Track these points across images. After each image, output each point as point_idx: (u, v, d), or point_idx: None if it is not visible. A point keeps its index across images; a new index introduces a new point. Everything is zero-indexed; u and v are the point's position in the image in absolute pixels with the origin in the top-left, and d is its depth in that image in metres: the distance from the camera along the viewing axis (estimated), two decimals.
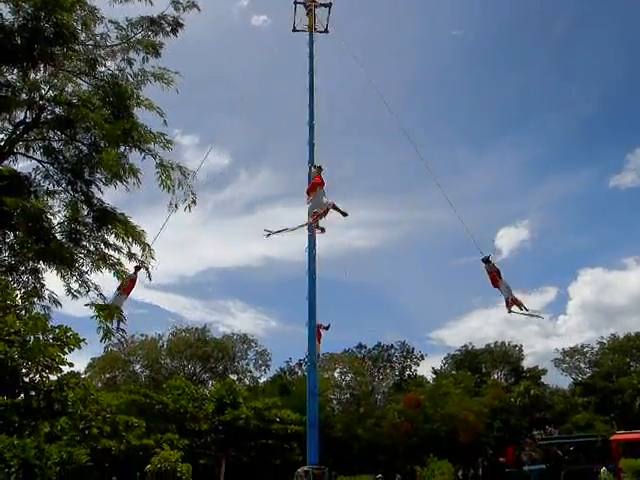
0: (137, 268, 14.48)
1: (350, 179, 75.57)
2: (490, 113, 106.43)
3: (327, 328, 19.02)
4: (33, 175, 14.25)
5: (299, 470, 16.03)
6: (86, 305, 14.26)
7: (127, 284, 14.40)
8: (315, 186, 14.74)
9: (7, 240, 13.33)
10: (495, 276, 14.35)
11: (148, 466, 6.83)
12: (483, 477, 28.06)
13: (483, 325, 79.20)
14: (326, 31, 20.86)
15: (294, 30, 20.82)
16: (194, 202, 14.45)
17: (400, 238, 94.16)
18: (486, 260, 14.55)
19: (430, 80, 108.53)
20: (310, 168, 17.41)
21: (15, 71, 12.63)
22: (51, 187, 14.33)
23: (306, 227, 14.34)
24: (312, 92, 20.04)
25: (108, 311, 13.31)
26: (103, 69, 13.50)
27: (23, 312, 9.44)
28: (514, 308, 14.14)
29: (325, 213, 13.84)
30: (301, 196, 18.42)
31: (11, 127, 13.90)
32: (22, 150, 13.77)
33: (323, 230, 14.66)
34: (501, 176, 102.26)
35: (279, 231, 13.83)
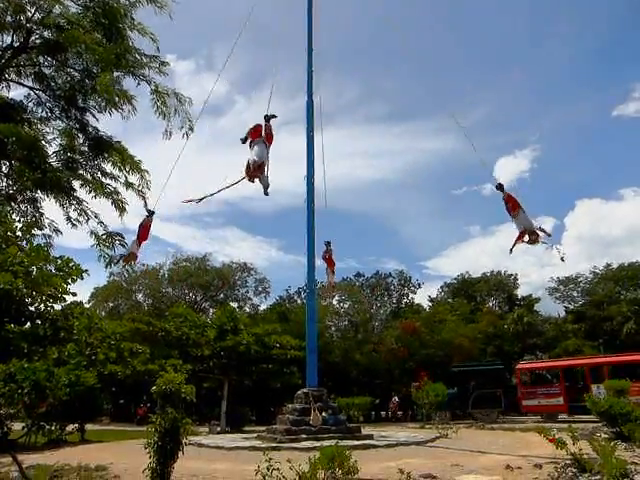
0: (150, 213, 14.37)
1: (352, 107, 73.83)
2: (495, 42, 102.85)
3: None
4: (25, 102, 13.96)
5: (299, 392, 16.79)
6: (91, 234, 14.40)
7: (142, 231, 14.15)
8: (259, 134, 13.08)
9: (4, 170, 13.25)
10: (515, 203, 13.01)
11: (153, 387, 7.10)
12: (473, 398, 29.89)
13: (480, 255, 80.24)
14: None
15: None
16: (191, 129, 14.27)
17: (400, 168, 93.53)
18: (500, 187, 13.43)
19: (436, 4, 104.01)
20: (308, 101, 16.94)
21: None
22: (44, 115, 14.09)
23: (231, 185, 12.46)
24: (310, 16, 19.23)
25: (127, 257, 13.45)
26: None
27: (24, 243, 9.50)
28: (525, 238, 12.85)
29: (256, 171, 12.19)
30: (302, 123, 18.26)
31: None
32: (13, 77, 13.40)
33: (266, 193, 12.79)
34: (502, 105, 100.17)
35: (201, 199, 12.79)
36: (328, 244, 19.19)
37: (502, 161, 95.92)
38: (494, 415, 27.29)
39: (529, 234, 12.72)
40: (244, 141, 12.74)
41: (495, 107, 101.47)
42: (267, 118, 13.56)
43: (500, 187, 13.35)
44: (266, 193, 12.39)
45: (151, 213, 14.49)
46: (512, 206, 12.94)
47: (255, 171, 11.95)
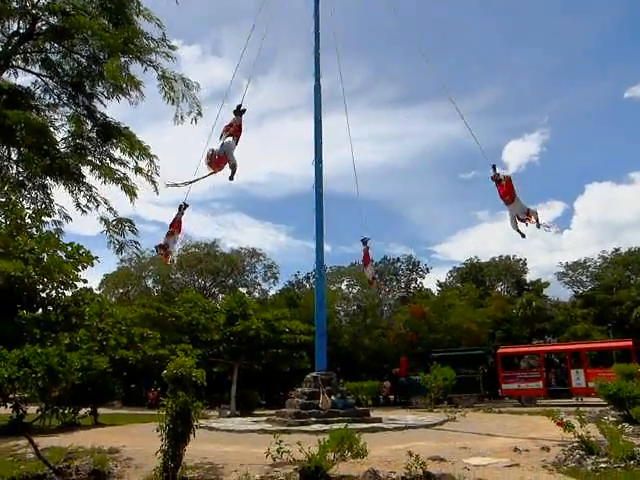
0: (184, 206, 14.62)
1: (360, 91, 73.28)
2: (503, 22, 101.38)
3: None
4: (33, 89, 13.97)
5: (308, 376, 16.94)
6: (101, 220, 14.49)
7: (174, 226, 14.42)
8: (237, 133, 13.19)
9: (13, 157, 13.32)
10: (511, 188, 13.12)
11: (164, 372, 7.20)
12: (483, 381, 30.10)
13: (488, 239, 79.87)
14: None
15: None
16: (200, 114, 14.24)
17: (409, 152, 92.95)
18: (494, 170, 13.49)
19: None
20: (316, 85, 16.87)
21: None
22: (52, 101, 14.10)
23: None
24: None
25: (163, 252, 13.61)
26: None
27: (34, 230, 9.59)
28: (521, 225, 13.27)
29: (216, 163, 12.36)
30: (309, 107, 18.22)
31: (5, 38, 13.43)
32: (20, 64, 13.41)
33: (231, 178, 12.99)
34: (511, 88, 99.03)
35: (185, 183, 12.78)
36: (365, 241, 19.34)
37: (511, 144, 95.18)
38: (472, 400, 27.69)
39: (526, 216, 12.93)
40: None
41: (504, 90, 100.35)
42: (238, 112, 13.57)
43: (495, 170, 13.42)
44: (231, 178, 12.61)
45: (184, 206, 14.72)
46: (506, 193, 13.00)
47: (215, 163, 12.13)
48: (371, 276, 21.24)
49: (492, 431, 12.85)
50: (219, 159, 12.16)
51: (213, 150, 12.19)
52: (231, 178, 12.61)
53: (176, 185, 12.67)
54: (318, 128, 18.14)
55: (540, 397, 27.64)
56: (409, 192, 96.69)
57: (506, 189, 13.05)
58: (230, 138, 12.68)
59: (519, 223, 13.22)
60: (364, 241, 19.54)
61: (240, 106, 13.60)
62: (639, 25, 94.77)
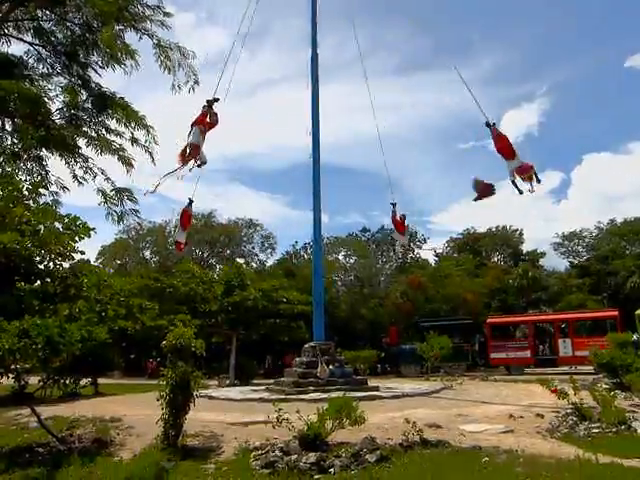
0: (190, 202, 15.86)
1: (356, 60, 72.17)
2: None
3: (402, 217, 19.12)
4: (26, 59, 13.67)
5: (306, 345, 17.10)
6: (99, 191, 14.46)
7: (183, 219, 16.05)
8: (202, 121, 13.60)
9: (7, 128, 13.12)
10: (504, 141, 12.88)
11: (164, 342, 7.27)
12: (479, 350, 30.60)
13: (485, 210, 79.91)
14: None
15: None
16: (197, 83, 14.03)
17: (405, 122, 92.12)
18: (489, 125, 13.27)
19: None
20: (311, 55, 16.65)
21: None
22: (45, 71, 13.82)
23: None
24: None
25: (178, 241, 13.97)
26: None
27: (31, 202, 9.52)
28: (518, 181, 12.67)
29: (192, 156, 12.97)
30: (304, 77, 17.96)
31: None
32: (12, 32, 13.09)
33: (199, 166, 13.62)
34: (509, 57, 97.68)
35: (158, 184, 13.28)
36: (394, 205, 19.01)
37: (510, 114, 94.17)
38: (461, 369, 28.03)
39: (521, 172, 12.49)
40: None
41: (502, 59, 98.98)
42: (209, 103, 13.91)
43: (488, 125, 13.17)
44: (199, 166, 13.30)
45: (190, 202, 15.74)
46: (503, 147, 12.74)
47: (190, 155, 12.76)
48: (404, 243, 20.52)
49: (487, 399, 13.07)
50: (194, 149, 12.79)
51: (191, 143, 12.83)
52: (199, 166, 13.29)
53: (155, 188, 13.21)
54: (315, 98, 17.93)
55: (529, 366, 28.07)
56: (408, 162, 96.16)
57: (505, 143, 12.82)
58: (199, 130, 13.17)
59: (517, 178, 12.68)
60: (393, 205, 18.86)
61: (217, 99, 14.03)
62: None
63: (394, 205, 18.88)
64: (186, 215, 16.13)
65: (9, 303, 8.82)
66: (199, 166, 13.33)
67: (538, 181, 12.72)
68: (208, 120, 13.59)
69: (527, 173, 12.39)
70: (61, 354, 9.54)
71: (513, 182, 12.71)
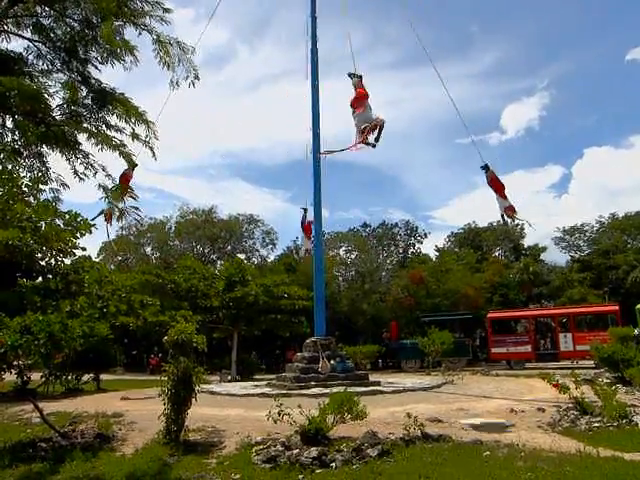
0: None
1: (356, 55, 71.84)
2: None
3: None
4: (25, 55, 13.62)
5: (308, 341, 17.12)
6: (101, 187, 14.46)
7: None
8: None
9: (8, 124, 13.07)
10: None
11: (165, 337, 7.30)
12: (480, 344, 30.65)
13: (486, 204, 79.81)
14: None
15: None
16: (197, 78, 13.96)
17: (406, 116, 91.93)
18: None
19: None
20: (351, 77, 16.51)
21: None
22: (45, 67, 13.78)
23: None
24: None
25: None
26: None
27: (31, 199, 9.51)
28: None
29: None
30: (304, 72, 17.90)
31: None
32: (11, 28, 13.03)
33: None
34: (510, 51, 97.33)
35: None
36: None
37: (510, 108, 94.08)
38: (461, 363, 28.09)
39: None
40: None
41: (503, 53, 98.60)
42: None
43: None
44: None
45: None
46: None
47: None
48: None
49: (489, 393, 13.10)
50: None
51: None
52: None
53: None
54: (315, 93, 17.87)
55: (529, 360, 28.11)
56: (408, 157, 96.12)
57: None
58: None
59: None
60: (485, 167, 16.32)
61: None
62: None
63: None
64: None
65: (11, 299, 8.82)
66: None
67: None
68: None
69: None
70: (63, 350, 9.59)
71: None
